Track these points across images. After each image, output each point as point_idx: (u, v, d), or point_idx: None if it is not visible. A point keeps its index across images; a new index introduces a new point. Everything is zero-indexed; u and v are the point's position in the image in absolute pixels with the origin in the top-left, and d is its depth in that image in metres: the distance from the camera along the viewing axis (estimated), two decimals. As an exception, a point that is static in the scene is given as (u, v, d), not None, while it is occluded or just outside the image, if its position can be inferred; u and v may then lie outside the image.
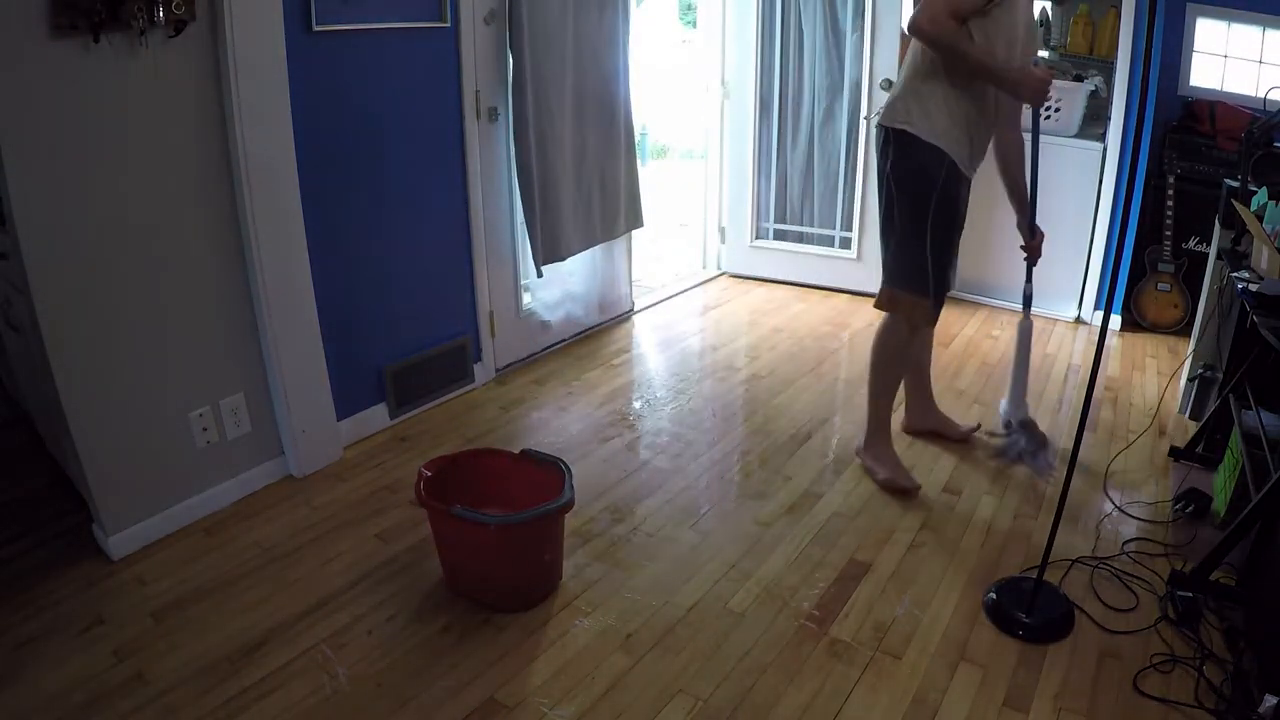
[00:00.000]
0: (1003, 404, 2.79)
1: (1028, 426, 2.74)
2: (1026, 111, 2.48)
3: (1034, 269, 2.71)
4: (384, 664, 1.84)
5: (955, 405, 3.12)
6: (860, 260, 4.23)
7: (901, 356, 2.59)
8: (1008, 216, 4.01)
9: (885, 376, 2.59)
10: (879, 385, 2.61)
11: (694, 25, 6.82)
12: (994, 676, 1.84)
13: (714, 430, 2.94)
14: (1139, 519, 2.42)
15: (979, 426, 2.88)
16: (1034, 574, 2.02)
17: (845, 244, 4.28)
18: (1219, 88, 3.71)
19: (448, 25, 2.73)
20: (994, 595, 2.06)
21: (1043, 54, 4.08)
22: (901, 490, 2.53)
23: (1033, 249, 2.71)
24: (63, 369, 1.98)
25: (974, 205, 4.08)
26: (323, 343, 2.52)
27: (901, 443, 2.83)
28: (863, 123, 3.99)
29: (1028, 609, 1.98)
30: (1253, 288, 2.20)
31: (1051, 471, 2.65)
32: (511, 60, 2.93)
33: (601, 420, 2.98)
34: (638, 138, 3.68)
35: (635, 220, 3.70)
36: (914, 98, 2.29)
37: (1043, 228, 3.93)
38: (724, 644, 1.92)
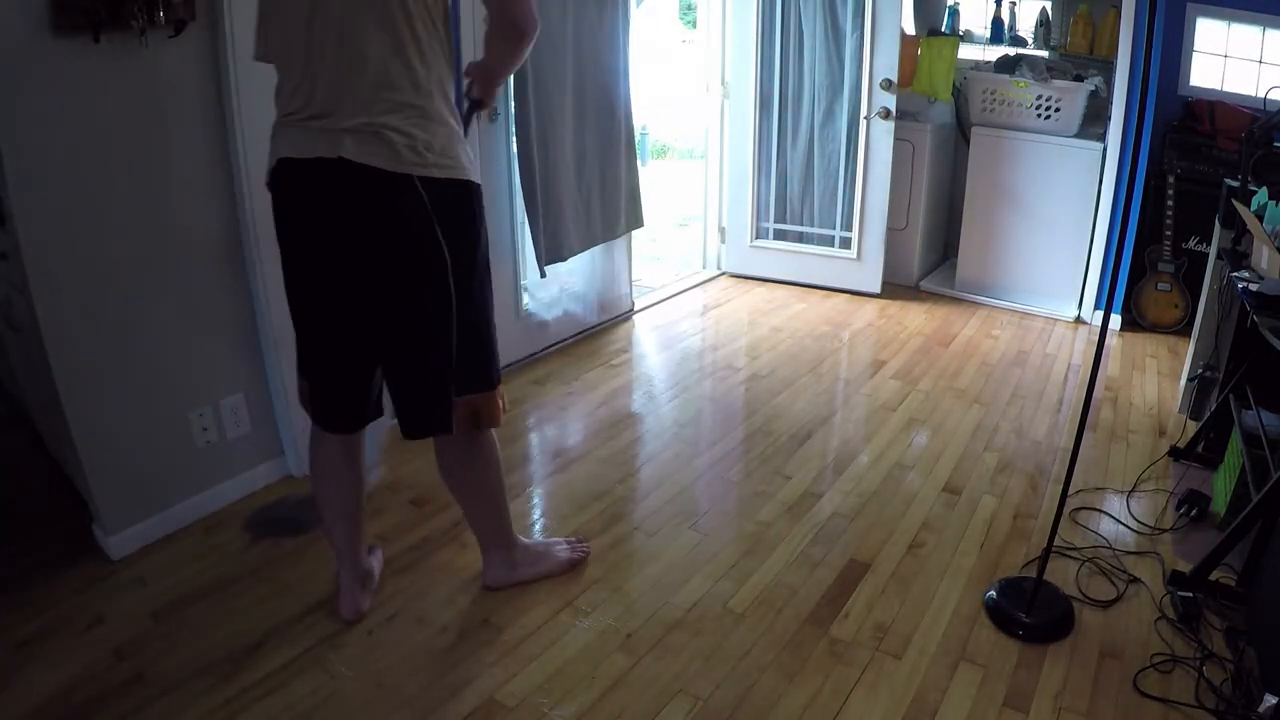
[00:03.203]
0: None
1: None
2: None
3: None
4: (384, 664, 1.84)
5: (955, 405, 3.12)
6: (860, 260, 4.23)
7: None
8: (1007, 216, 4.06)
9: (501, 484, 2.00)
10: (502, 497, 2.01)
11: (694, 25, 6.83)
12: (994, 676, 1.84)
13: (714, 430, 2.94)
14: (1139, 519, 2.42)
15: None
16: (1034, 574, 2.02)
17: (845, 244, 4.28)
18: (1219, 88, 3.72)
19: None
20: (994, 595, 2.06)
21: (1042, 53, 4.10)
22: (585, 555, 2.19)
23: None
24: (63, 369, 1.98)
25: (973, 204, 4.16)
26: (323, 343, 2.52)
27: (900, 441, 2.84)
28: (863, 122, 3.99)
29: (1028, 609, 1.98)
30: (1253, 287, 2.20)
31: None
32: (512, 60, 2.93)
33: (601, 420, 2.98)
34: (638, 137, 3.68)
35: (636, 220, 3.70)
36: (425, 123, 1.58)
37: (1043, 228, 3.99)
38: (724, 644, 1.92)
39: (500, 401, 1.85)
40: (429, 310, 1.67)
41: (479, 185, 1.69)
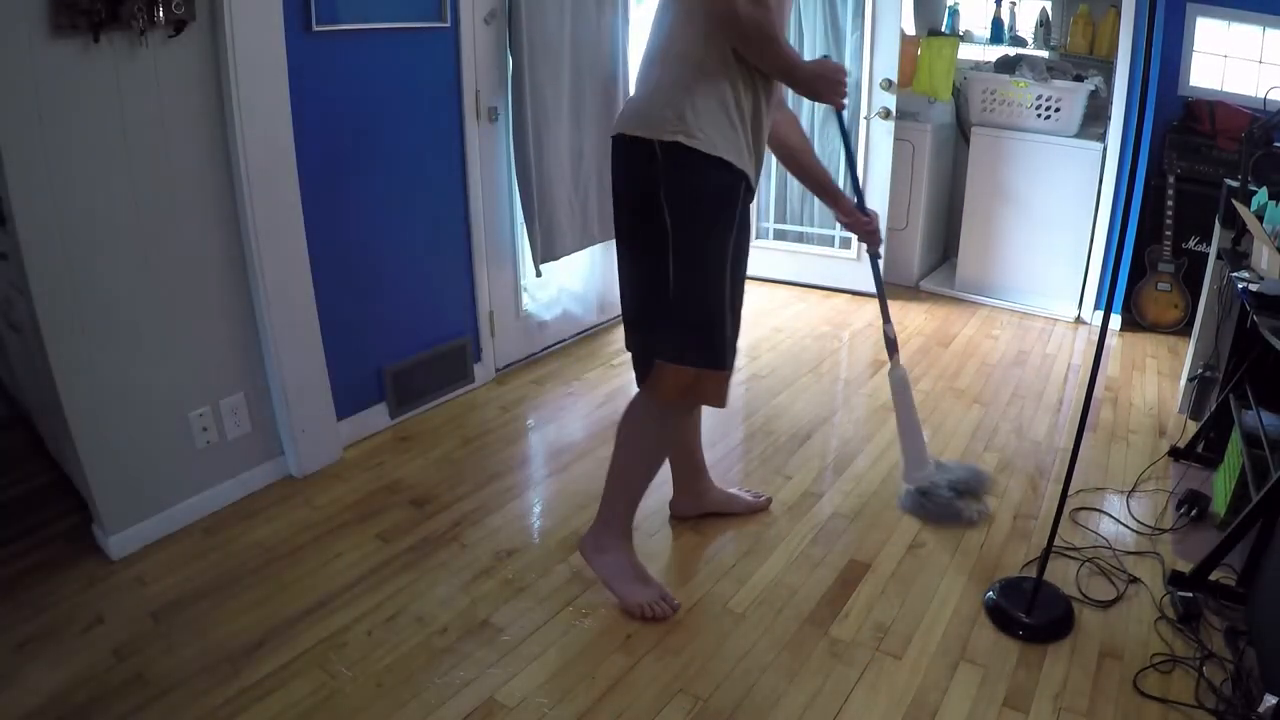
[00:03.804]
0: (903, 470, 2.45)
1: (947, 471, 2.51)
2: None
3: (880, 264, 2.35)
4: (384, 664, 1.84)
5: (955, 405, 3.12)
6: (860, 260, 4.23)
7: (672, 441, 2.12)
8: (1007, 216, 4.05)
9: (648, 469, 2.03)
10: (636, 479, 2.03)
11: (694, 25, 6.82)
12: (994, 676, 1.84)
13: (714, 430, 2.93)
14: (1139, 519, 2.41)
15: (769, 501, 2.45)
16: (1034, 574, 2.02)
17: (845, 244, 4.28)
18: (1219, 88, 3.71)
19: (448, 25, 2.73)
20: (994, 595, 2.06)
21: (1043, 53, 4.09)
22: (658, 617, 1.98)
23: (871, 233, 2.29)
24: (63, 369, 1.98)
25: (973, 204, 4.16)
26: (323, 343, 2.52)
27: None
28: (863, 122, 3.99)
29: (1028, 609, 1.98)
30: (1253, 288, 2.20)
31: (984, 513, 2.40)
32: (511, 61, 2.93)
33: (601, 420, 2.98)
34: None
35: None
36: (687, 101, 1.72)
37: (1043, 228, 3.99)
38: (724, 644, 1.92)
39: (702, 391, 1.93)
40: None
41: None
